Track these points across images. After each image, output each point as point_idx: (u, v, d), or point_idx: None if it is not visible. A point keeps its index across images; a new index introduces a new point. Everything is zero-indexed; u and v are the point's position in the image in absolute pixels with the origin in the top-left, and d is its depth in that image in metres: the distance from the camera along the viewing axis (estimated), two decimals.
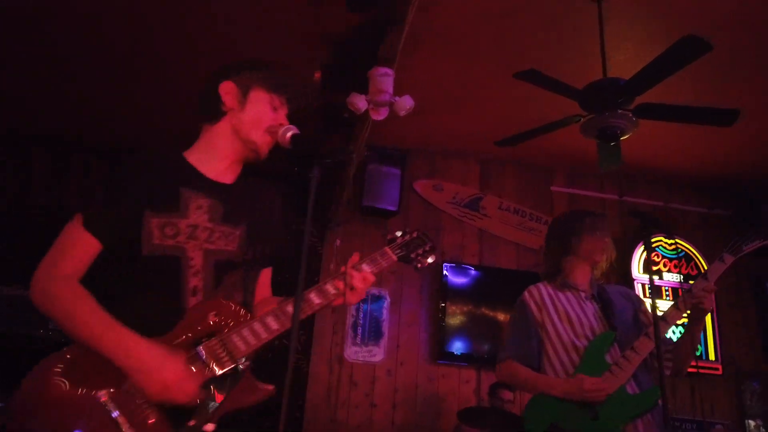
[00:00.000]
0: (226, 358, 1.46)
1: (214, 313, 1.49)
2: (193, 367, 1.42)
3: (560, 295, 2.54)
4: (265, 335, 1.49)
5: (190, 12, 3.58)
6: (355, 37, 3.06)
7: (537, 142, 4.04)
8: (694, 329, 2.34)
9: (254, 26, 3.63)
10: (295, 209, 1.78)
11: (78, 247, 1.47)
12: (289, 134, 1.56)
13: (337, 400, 4.68)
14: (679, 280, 5.54)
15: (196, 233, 1.54)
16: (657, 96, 3.22)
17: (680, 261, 5.61)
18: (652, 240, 5.60)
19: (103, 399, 1.35)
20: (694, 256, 5.63)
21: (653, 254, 5.57)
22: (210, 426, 1.42)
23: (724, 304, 5.49)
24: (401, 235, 1.73)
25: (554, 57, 3.85)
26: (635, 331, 2.42)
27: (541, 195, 5.64)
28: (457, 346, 4.94)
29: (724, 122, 3.27)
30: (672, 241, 5.64)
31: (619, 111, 3.26)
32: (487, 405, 4.76)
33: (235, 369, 1.47)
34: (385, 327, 4.94)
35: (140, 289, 1.48)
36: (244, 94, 1.65)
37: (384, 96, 2.89)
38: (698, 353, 5.35)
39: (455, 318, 4.99)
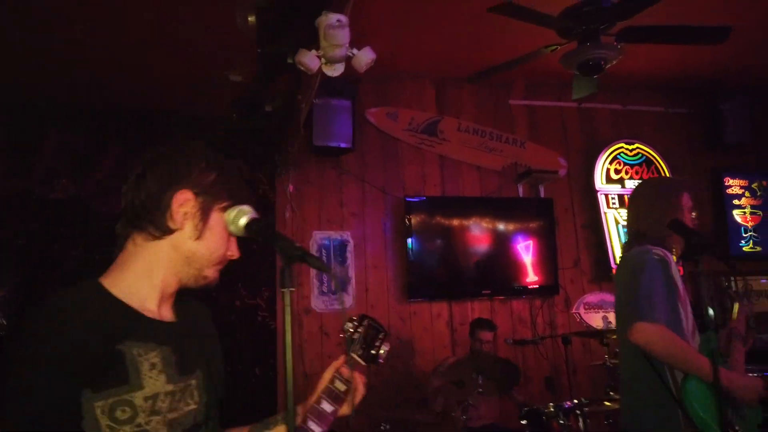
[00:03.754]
0: None
1: None
2: None
3: (677, 268, 2.24)
4: None
5: None
6: None
7: (493, 57, 3.64)
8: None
9: None
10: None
11: None
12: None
13: (310, 354, 4.51)
14: None
15: (157, 406, 1.15)
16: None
17: (641, 166, 5.51)
18: (613, 147, 5.46)
19: None
20: (654, 160, 5.53)
21: (615, 162, 5.45)
22: None
23: None
24: (355, 329, 1.49)
25: None
26: None
27: (500, 110, 5.31)
28: (426, 282, 4.78)
29: (716, 39, 2.97)
30: (633, 147, 5.51)
31: (602, 38, 2.90)
32: (459, 338, 4.73)
33: None
34: (352, 272, 4.71)
35: None
36: (204, 215, 1.23)
37: (340, 51, 2.41)
38: None
39: (422, 253, 4.79)
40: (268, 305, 4.45)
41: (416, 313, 4.80)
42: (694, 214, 2.31)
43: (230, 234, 1.26)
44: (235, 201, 1.25)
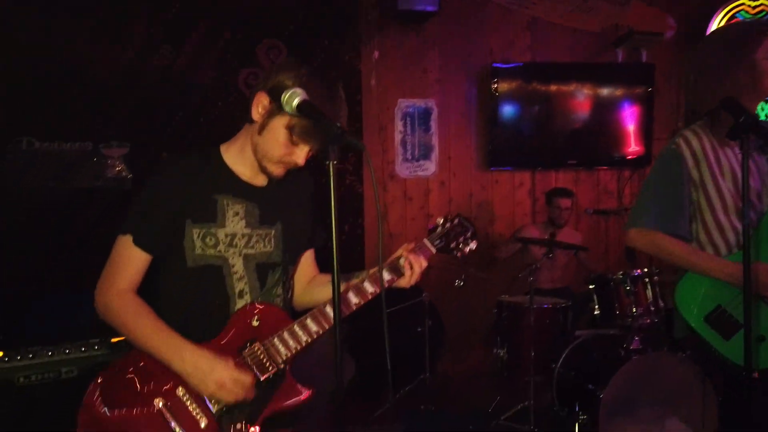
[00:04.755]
0: (268, 363, 1.51)
1: (256, 317, 1.52)
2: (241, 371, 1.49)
3: (727, 150, 1.95)
4: (305, 338, 1.52)
5: None
6: None
7: None
8: None
9: None
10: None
11: (132, 263, 1.52)
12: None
13: (394, 216, 4.81)
14: None
15: (234, 241, 1.55)
16: None
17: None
18: (733, 3, 4.86)
19: (158, 408, 1.43)
20: None
21: (734, 21, 4.88)
22: (255, 429, 1.48)
23: None
24: (442, 223, 1.64)
25: None
26: None
27: None
28: (510, 151, 4.79)
29: None
30: (758, 3, 4.88)
31: None
32: (541, 207, 4.81)
33: (277, 373, 1.51)
34: (435, 140, 4.80)
35: (189, 296, 1.54)
36: (269, 116, 1.49)
37: None
38: None
39: (506, 122, 4.75)
40: (355, 169, 4.71)
41: (498, 182, 4.88)
42: None
43: (293, 140, 1.46)
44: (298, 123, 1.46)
